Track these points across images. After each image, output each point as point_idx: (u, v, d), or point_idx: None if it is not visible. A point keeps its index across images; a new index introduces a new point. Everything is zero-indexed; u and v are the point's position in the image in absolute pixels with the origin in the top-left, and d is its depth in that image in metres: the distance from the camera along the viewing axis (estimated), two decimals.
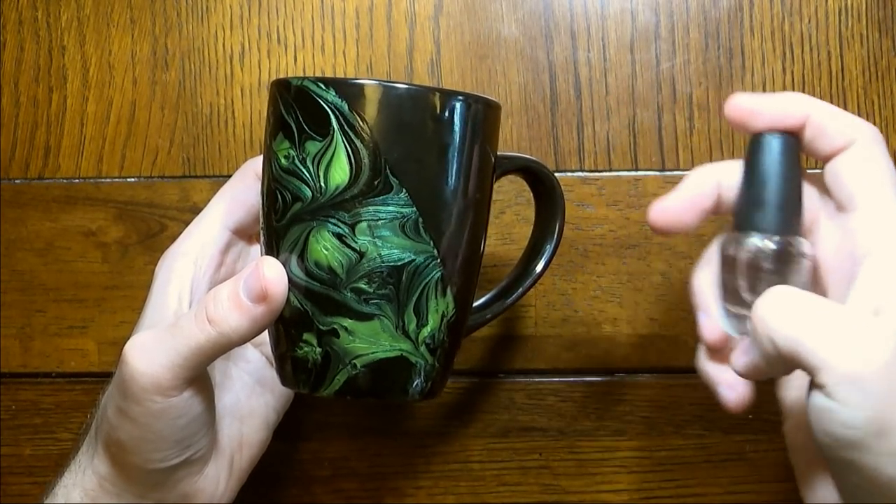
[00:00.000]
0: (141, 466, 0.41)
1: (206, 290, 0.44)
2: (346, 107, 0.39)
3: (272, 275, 0.39)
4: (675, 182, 0.53)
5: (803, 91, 0.53)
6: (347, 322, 0.40)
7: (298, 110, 0.40)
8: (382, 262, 0.39)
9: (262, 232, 0.42)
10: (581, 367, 0.52)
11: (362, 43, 0.53)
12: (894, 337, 0.34)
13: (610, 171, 0.53)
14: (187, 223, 0.52)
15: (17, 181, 0.54)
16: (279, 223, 0.40)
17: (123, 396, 0.40)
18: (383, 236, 0.39)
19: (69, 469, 0.44)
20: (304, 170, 0.39)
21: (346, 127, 0.39)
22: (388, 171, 0.39)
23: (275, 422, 0.48)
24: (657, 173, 0.52)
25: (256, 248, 0.47)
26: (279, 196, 0.40)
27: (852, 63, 0.53)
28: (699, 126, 0.53)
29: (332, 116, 0.39)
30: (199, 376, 0.40)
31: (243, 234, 0.46)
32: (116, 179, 0.54)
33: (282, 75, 0.53)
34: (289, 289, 0.40)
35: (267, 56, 0.54)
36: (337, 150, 0.39)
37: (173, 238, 0.45)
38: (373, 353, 0.40)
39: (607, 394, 0.52)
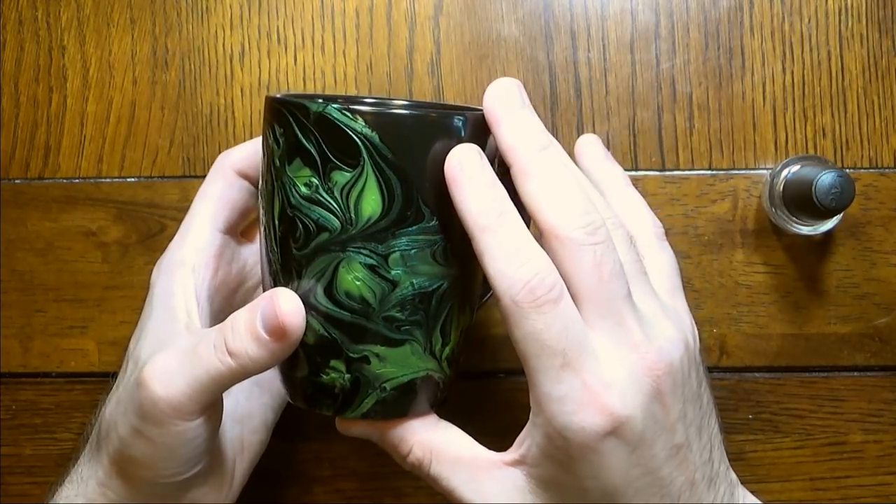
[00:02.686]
0: (152, 481, 0.41)
1: (207, 298, 0.44)
2: (376, 137, 0.37)
3: (289, 308, 0.38)
4: (675, 182, 0.53)
5: (803, 91, 0.53)
6: (379, 349, 0.39)
7: (321, 138, 0.37)
8: (414, 290, 0.39)
9: (272, 255, 0.40)
10: None
11: (362, 43, 0.53)
12: (525, 494, 0.38)
13: None
14: None
15: (17, 181, 0.54)
16: (300, 252, 0.39)
17: (142, 419, 0.40)
18: (415, 265, 0.39)
19: (70, 479, 0.44)
20: (330, 200, 0.38)
21: (377, 157, 0.37)
22: (420, 199, 0.38)
23: (273, 421, 0.48)
24: (657, 173, 0.52)
25: (249, 246, 0.47)
26: (300, 224, 0.38)
27: (852, 63, 0.53)
28: (699, 126, 0.53)
29: (362, 147, 0.37)
30: (215, 401, 0.41)
31: (233, 232, 0.46)
32: (116, 179, 0.54)
33: (282, 76, 0.53)
34: (313, 316, 0.39)
35: (267, 56, 0.54)
36: (368, 181, 0.37)
37: (173, 238, 0.45)
38: (403, 375, 0.40)
39: None
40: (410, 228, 0.38)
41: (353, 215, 0.38)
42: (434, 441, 0.41)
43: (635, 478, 0.37)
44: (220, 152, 0.49)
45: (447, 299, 0.40)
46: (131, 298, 0.53)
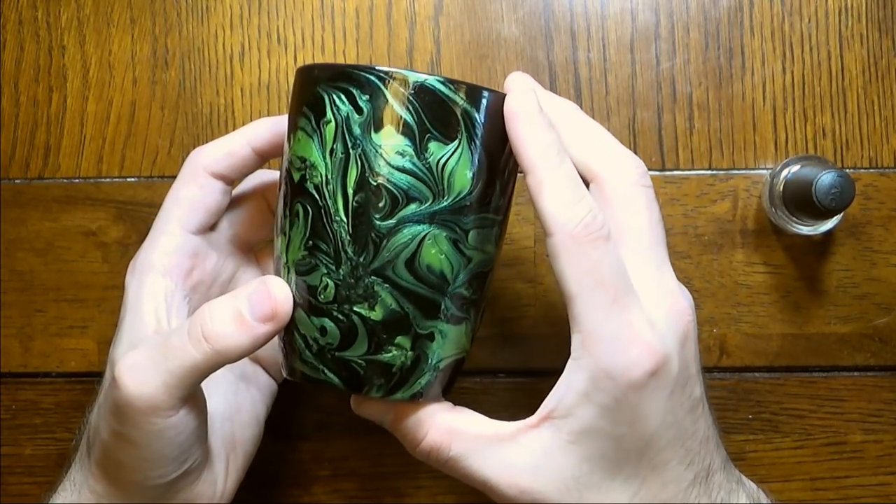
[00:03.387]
0: (141, 483, 0.41)
1: (184, 297, 0.43)
2: (475, 113, 0.38)
3: (281, 295, 0.39)
4: (675, 182, 0.53)
5: (803, 91, 0.53)
6: (443, 326, 0.40)
7: (422, 108, 0.38)
8: (479, 269, 0.40)
9: (335, 227, 0.38)
10: None
11: (362, 43, 0.53)
12: (552, 451, 0.38)
13: None
14: None
15: (17, 181, 0.54)
16: (383, 222, 0.38)
17: (120, 421, 0.39)
18: (483, 244, 0.40)
19: (62, 486, 0.44)
20: (424, 171, 0.38)
21: (472, 133, 0.38)
22: (497, 179, 0.40)
23: (264, 415, 0.47)
24: (657, 173, 0.52)
25: (214, 240, 0.46)
26: (385, 193, 0.38)
27: (852, 63, 0.53)
28: (699, 126, 0.53)
29: (462, 121, 0.38)
30: (194, 393, 0.40)
31: (204, 231, 0.45)
32: (116, 179, 0.54)
33: (282, 75, 0.53)
34: (386, 290, 0.38)
35: (267, 56, 0.54)
36: (463, 156, 0.38)
37: (145, 240, 0.45)
38: (454, 354, 0.40)
39: None
40: (487, 207, 0.39)
41: (445, 188, 0.38)
42: (452, 422, 0.40)
43: (667, 426, 0.38)
44: None
45: (491, 282, 0.41)
46: None
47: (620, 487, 0.38)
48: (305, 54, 0.53)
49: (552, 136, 0.38)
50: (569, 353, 0.39)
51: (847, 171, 0.47)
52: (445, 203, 0.38)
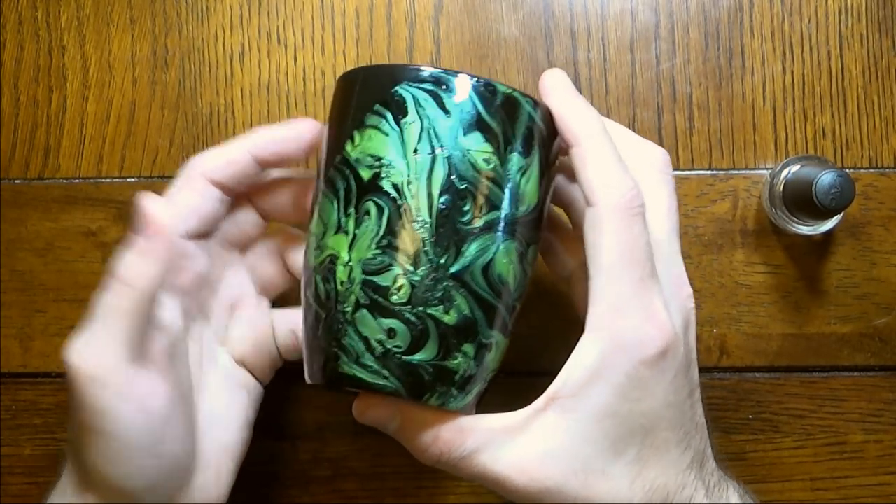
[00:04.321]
0: (121, 487, 0.39)
1: (174, 298, 0.43)
2: (545, 131, 0.40)
3: (150, 203, 0.39)
4: (675, 181, 0.53)
5: (803, 91, 0.53)
6: (499, 338, 0.40)
7: (506, 119, 0.38)
8: (526, 285, 0.41)
9: (416, 225, 0.38)
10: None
11: (362, 43, 0.53)
12: (557, 433, 0.38)
13: None
14: None
15: (17, 181, 0.54)
16: (467, 226, 0.38)
17: (77, 409, 0.39)
18: (533, 260, 0.41)
19: (52, 495, 0.42)
20: (507, 180, 0.38)
21: (543, 152, 0.40)
22: (548, 199, 0.41)
23: (253, 418, 0.47)
24: None
25: (205, 247, 0.45)
26: (470, 198, 0.38)
27: (852, 63, 0.53)
28: (699, 126, 0.53)
29: (537, 137, 0.39)
30: (141, 360, 0.39)
31: (196, 238, 0.45)
32: (116, 179, 0.54)
33: (282, 75, 0.53)
34: (462, 295, 0.38)
35: (267, 56, 0.54)
36: (533, 171, 0.39)
37: None
38: (496, 370, 0.41)
39: None
40: (541, 224, 0.40)
41: (519, 200, 0.39)
42: (462, 420, 0.39)
43: (669, 406, 0.38)
44: None
45: None
46: None
47: (622, 471, 0.38)
48: (305, 54, 0.53)
49: (592, 110, 0.39)
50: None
51: (847, 171, 0.47)
52: (519, 215, 0.39)
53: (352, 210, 0.38)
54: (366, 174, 0.38)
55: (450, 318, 0.38)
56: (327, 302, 0.39)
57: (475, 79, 0.38)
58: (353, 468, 0.53)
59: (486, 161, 0.38)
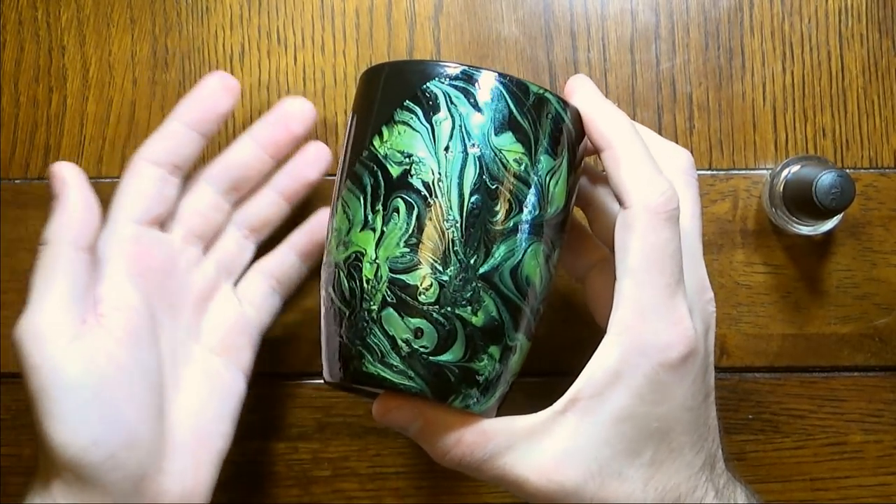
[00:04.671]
0: (75, 457, 0.39)
1: (130, 281, 0.44)
2: (574, 132, 0.39)
3: (59, 166, 0.42)
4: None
5: (803, 91, 0.53)
6: (523, 341, 0.40)
7: (537, 119, 0.38)
8: (550, 289, 0.40)
9: (445, 224, 0.37)
10: (581, 367, 0.52)
11: (362, 43, 0.53)
12: (576, 435, 0.38)
13: None
14: None
15: (17, 181, 0.54)
16: (497, 227, 0.38)
17: (27, 377, 0.40)
18: (557, 263, 0.40)
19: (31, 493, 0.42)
20: (537, 182, 0.38)
21: (571, 153, 0.39)
22: (572, 200, 0.41)
23: (234, 413, 0.47)
24: None
25: (168, 238, 0.46)
26: (501, 198, 0.38)
27: (852, 63, 0.53)
28: (699, 126, 0.53)
29: (566, 138, 0.39)
30: (89, 323, 0.41)
31: (155, 222, 0.46)
32: (116, 179, 0.53)
33: (282, 75, 0.53)
34: (490, 296, 0.38)
35: (267, 56, 0.54)
36: (562, 173, 0.39)
37: None
38: (517, 374, 0.40)
39: None
40: (566, 227, 0.40)
41: (548, 202, 0.39)
42: (484, 422, 0.39)
43: (686, 410, 0.38)
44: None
45: None
46: None
47: (637, 473, 0.38)
48: (305, 54, 0.53)
49: (621, 112, 0.39)
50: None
51: (847, 171, 0.47)
52: (547, 217, 0.39)
53: (379, 207, 0.38)
54: (395, 171, 0.38)
55: (477, 320, 0.38)
56: (352, 299, 0.38)
57: (507, 77, 0.38)
58: (353, 468, 0.53)
59: (517, 161, 0.38)
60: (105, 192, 0.53)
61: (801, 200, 0.47)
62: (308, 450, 0.53)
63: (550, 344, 0.52)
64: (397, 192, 0.38)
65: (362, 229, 0.38)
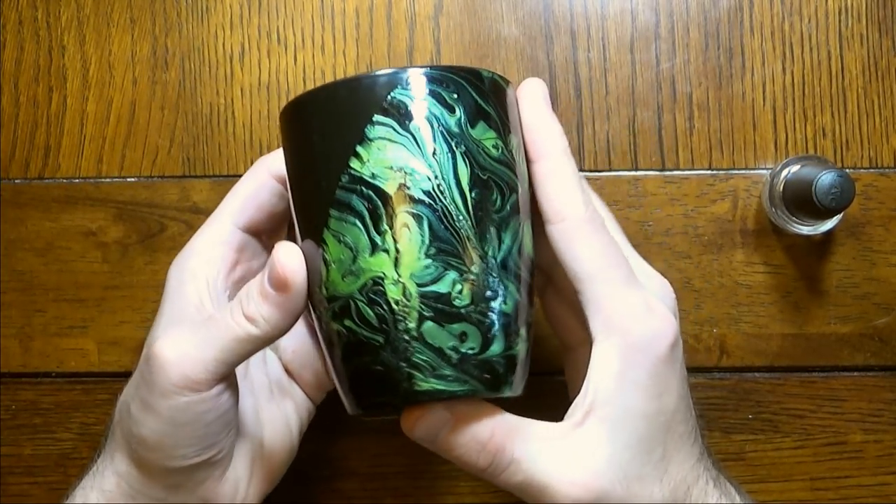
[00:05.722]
0: (161, 464, 0.40)
1: (224, 290, 0.43)
2: (517, 106, 0.40)
3: (288, 260, 0.39)
4: (675, 182, 0.53)
5: (803, 91, 0.53)
6: (531, 316, 0.40)
7: (496, 103, 0.39)
8: None
9: (460, 224, 0.38)
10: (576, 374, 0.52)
11: (362, 43, 0.53)
12: (601, 443, 0.38)
13: (610, 171, 0.53)
14: (187, 223, 0.53)
15: (17, 181, 0.54)
16: (499, 214, 0.38)
17: (151, 391, 0.39)
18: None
19: (88, 473, 0.44)
20: (513, 161, 0.39)
21: (520, 125, 0.40)
22: None
23: (298, 428, 0.47)
24: (657, 173, 0.52)
25: (267, 245, 0.46)
26: (494, 186, 0.38)
27: (852, 63, 0.53)
28: (699, 126, 0.53)
29: (517, 113, 0.40)
30: (229, 374, 0.40)
31: (256, 232, 0.45)
32: (116, 179, 0.54)
33: (282, 75, 0.53)
34: (512, 282, 0.38)
35: (267, 56, 0.54)
36: (522, 146, 0.40)
37: (173, 238, 0.45)
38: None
39: None
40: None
41: (524, 178, 0.40)
42: (512, 424, 0.39)
43: (681, 398, 0.39)
44: (220, 152, 0.50)
45: None
46: (131, 298, 0.53)
47: (653, 472, 0.38)
48: (305, 54, 0.53)
49: (561, 130, 0.40)
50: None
51: (847, 171, 0.47)
52: (526, 193, 0.40)
53: (385, 227, 0.37)
54: (390, 187, 0.37)
55: (507, 307, 0.38)
56: (382, 325, 0.37)
57: (464, 69, 0.38)
58: (353, 468, 0.53)
59: (495, 147, 0.38)
60: (105, 191, 0.53)
61: (801, 200, 0.47)
62: (308, 450, 0.53)
63: (550, 344, 0.52)
64: (400, 207, 0.37)
65: (372, 254, 0.37)
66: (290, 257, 0.39)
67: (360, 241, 0.37)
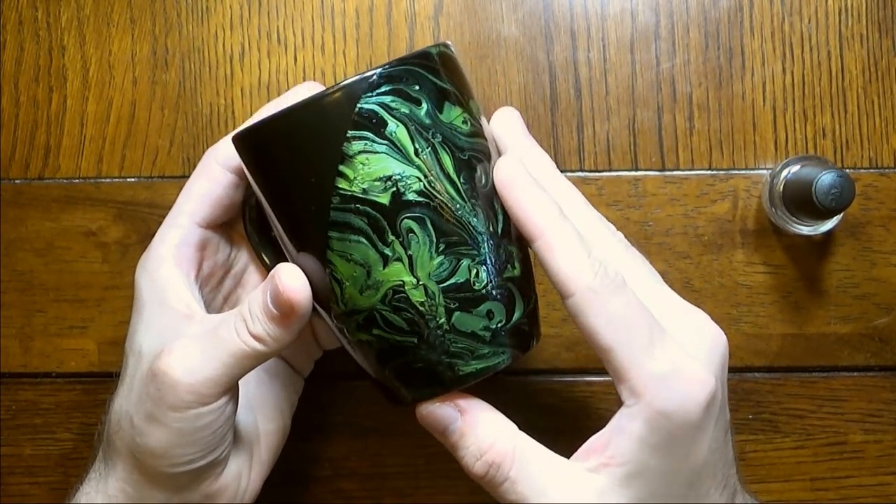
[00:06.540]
0: (167, 471, 0.41)
1: (197, 290, 0.44)
2: (461, 64, 0.41)
3: (291, 282, 0.39)
4: (675, 182, 0.53)
5: (803, 92, 0.53)
6: (532, 267, 0.41)
7: (450, 76, 0.39)
8: None
9: (461, 212, 0.38)
10: (581, 367, 0.52)
11: (362, 43, 0.53)
12: (613, 496, 0.37)
13: (610, 171, 0.53)
14: None
15: (17, 181, 0.54)
16: (485, 188, 0.39)
17: (159, 405, 0.40)
18: None
19: (88, 478, 0.44)
20: (480, 128, 0.40)
21: (470, 82, 0.41)
22: None
23: (288, 410, 0.48)
24: (657, 173, 0.52)
25: (227, 236, 0.46)
26: (476, 162, 0.39)
27: (852, 63, 0.53)
28: (699, 126, 0.53)
29: (466, 75, 0.40)
30: (235, 385, 0.41)
31: (214, 227, 0.45)
32: (116, 179, 0.54)
33: (282, 76, 0.53)
34: (513, 247, 0.40)
35: (267, 56, 0.54)
36: (480, 108, 0.41)
37: (155, 235, 0.45)
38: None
39: (607, 394, 0.52)
40: None
41: (491, 140, 0.40)
42: (518, 442, 0.39)
43: (712, 451, 0.38)
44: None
45: None
46: (131, 298, 0.53)
47: None
48: (305, 54, 0.53)
49: (547, 195, 0.38)
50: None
51: (847, 171, 0.47)
52: (496, 152, 0.40)
53: (391, 238, 0.38)
54: (384, 198, 0.37)
55: (517, 271, 0.40)
56: (413, 327, 0.38)
57: (412, 56, 0.38)
58: (353, 468, 0.53)
59: (464, 122, 0.39)
60: (105, 191, 0.53)
61: (801, 200, 0.47)
62: (308, 450, 0.53)
63: (550, 344, 0.52)
64: (400, 214, 0.37)
65: (385, 266, 0.38)
66: (292, 280, 0.39)
67: (370, 257, 0.38)
